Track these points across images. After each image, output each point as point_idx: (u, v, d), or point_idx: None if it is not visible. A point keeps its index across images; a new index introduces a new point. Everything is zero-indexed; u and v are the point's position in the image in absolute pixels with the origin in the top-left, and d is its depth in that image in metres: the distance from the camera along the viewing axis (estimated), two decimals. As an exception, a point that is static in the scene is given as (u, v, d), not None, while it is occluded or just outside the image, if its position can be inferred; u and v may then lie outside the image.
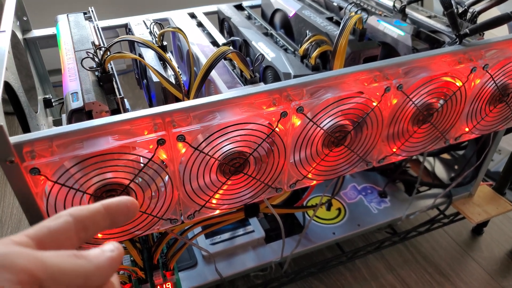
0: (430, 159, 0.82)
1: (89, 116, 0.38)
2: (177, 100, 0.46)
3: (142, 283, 0.56)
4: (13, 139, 0.32)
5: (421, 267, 0.76)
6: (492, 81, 0.50)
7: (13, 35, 0.53)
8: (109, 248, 0.19)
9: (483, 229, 0.83)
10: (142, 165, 0.37)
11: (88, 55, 0.42)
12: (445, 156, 0.84)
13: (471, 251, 0.80)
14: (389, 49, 0.56)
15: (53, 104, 0.62)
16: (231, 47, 0.47)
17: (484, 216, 0.72)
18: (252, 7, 0.72)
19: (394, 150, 0.51)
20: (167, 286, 0.57)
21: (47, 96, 0.61)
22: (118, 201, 0.21)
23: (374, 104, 0.45)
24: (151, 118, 0.36)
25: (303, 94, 0.42)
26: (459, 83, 0.48)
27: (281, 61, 0.52)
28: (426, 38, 0.55)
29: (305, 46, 0.51)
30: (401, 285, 0.73)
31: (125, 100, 0.41)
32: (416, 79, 0.46)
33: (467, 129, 0.55)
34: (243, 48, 0.56)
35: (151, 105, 0.53)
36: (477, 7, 0.53)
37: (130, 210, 0.21)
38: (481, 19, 0.51)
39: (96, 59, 0.42)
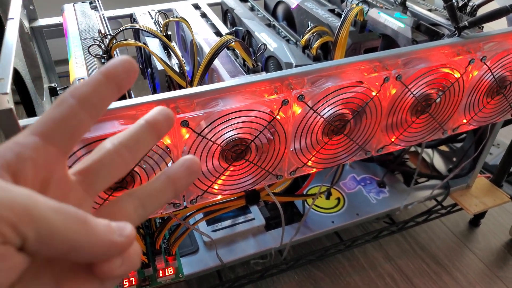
0: (429, 151, 0.83)
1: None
2: (181, 88, 0.47)
3: (145, 268, 0.58)
4: (22, 122, 0.33)
5: (419, 257, 0.78)
6: (490, 73, 0.51)
7: (20, 24, 0.54)
8: (122, 231, 0.16)
9: (480, 221, 0.84)
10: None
11: (94, 42, 0.44)
12: (444, 148, 0.85)
13: (468, 242, 0.81)
14: (389, 40, 0.57)
15: (59, 92, 0.63)
16: (234, 37, 0.48)
17: (481, 207, 0.73)
18: (255, -2, 0.73)
19: (393, 139, 0.53)
20: (169, 270, 0.58)
21: (52, 85, 0.62)
22: (113, 62, 0.18)
23: (374, 93, 0.46)
24: (156, 104, 0.37)
25: (304, 83, 0.43)
26: (457, 75, 0.49)
27: (283, 51, 0.53)
28: (426, 30, 0.56)
29: (306, 37, 0.52)
30: (398, 274, 0.75)
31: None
32: (415, 69, 0.47)
33: (465, 121, 0.57)
34: (246, 38, 0.57)
35: (155, 93, 0.54)
36: (477, 1, 0.54)
37: (128, 65, 0.18)
38: (481, 12, 0.52)
39: (103, 47, 0.43)
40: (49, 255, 0.14)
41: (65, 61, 0.46)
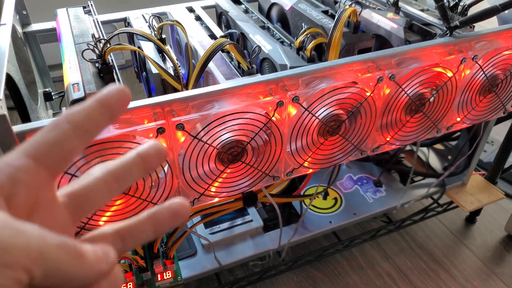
0: (425, 149, 0.84)
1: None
2: (176, 91, 0.47)
3: (143, 272, 0.58)
4: (16, 128, 0.33)
5: (416, 255, 0.78)
6: (482, 72, 0.51)
7: (13, 29, 0.54)
8: (108, 258, 0.17)
9: (476, 218, 0.84)
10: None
11: (88, 47, 0.44)
12: (439, 146, 0.85)
13: (464, 239, 0.82)
14: (382, 41, 0.57)
15: (53, 97, 0.63)
16: (228, 39, 0.48)
17: (476, 204, 0.74)
18: (249, 1, 0.73)
19: (388, 139, 0.53)
20: (167, 274, 0.58)
21: (47, 90, 0.62)
22: (108, 91, 0.18)
23: (368, 94, 0.46)
24: (151, 107, 0.37)
25: (299, 84, 0.43)
26: (449, 74, 0.50)
27: (277, 53, 0.53)
28: (418, 30, 0.56)
29: (300, 38, 0.53)
30: (396, 272, 0.75)
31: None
32: (408, 69, 0.47)
33: (458, 119, 0.57)
34: (241, 40, 0.57)
35: (150, 96, 0.54)
36: (468, 0, 0.54)
37: (122, 94, 0.18)
38: (472, 12, 0.52)
39: (97, 51, 0.43)
40: (48, 287, 0.15)
41: (60, 66, 0.46)
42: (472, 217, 0.84)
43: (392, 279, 0.74)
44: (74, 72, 0.42)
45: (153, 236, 0.20)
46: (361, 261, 0.76)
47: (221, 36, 0.57)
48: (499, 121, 0.68)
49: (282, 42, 0.57)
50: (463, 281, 0.74)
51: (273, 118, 0.42)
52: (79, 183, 0.18)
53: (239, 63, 0.49)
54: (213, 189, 0.45)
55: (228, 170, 0.44)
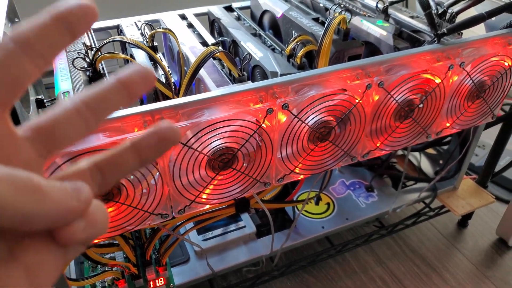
0: (417, 154, 0.85)
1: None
2: (167, 99, 0.47)
3: (135, 279, 0.58)
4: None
5: (409, 259, 0.79)
6: (469, 78, 0.52)
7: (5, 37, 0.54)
8: (79, 194, 0.14)
9: (468, 222, 0.85)
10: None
11: (79, 55, 0.44)
12: (431, 151, 0.86)
13: (456, 243, 0.83)
14: (372, 48, 0.58)
15: (46, 104, 0.63)
16: (219, 47, 0.49)
17: (467, 208, 0.74)
18: (241, 8, 0.74)
19: (378, 144, 0.54)
20: (159, 281, 0.58)
21: (39, 97, 0.62)
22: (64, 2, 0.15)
23: (357, 100, 0.47)
24: (141, 115, 0.38)
25: (289, 91, 0.44)
26: (438, 80, 0.51)
27: (268, 60, 0.53)
28: (407, 37, 0.57)
29: (291, 46, 0.53)
30: (389, 277, 0.75)
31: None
32: (396, 76, 0.48)
33: (448, 124, 0.58)
34: (232, 48, 0.57)
35: (142, 104, 0.55)
36: (456, 8, 0.55)
37: (82, 4, 0.15)
38: (461, 19, 0.53)
39: (87, 59, 0.43)
40: (2, 226, 0.13)
41: (52, 72, 0.46)
42: (464, 221, 0.85)
43: (385, 283, 0.74)
44: (64, 81, 0.42)
45: (139, 165, 0.18)
46: (354, 266, 0.76)
47: (213, 44, 0.58)
48: (489, 125, 0.68)
49: (273, 49, 0.57)
50: (455, 284, 0.74)
51: (263, 125, 0.42)
52: (46, 115, 0.16)
53: (230, 70, 0.50)
54: (204, 196, 0.45)
55: (219, 177, 0.44)
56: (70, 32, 0.15)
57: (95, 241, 0.48)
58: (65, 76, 0.43)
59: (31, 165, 0.15)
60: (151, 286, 0.58)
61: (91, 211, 0.15)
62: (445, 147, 0.81)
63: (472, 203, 0.75)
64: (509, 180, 0.93)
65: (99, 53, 0.43)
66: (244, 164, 0.45)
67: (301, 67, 0.52)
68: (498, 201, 0.90)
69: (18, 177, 0.13)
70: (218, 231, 0.67)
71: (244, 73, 0.50)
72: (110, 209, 0.40)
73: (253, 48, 0.57)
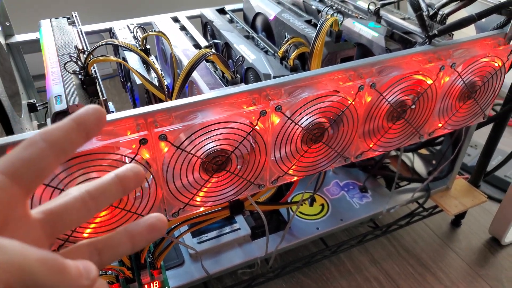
0: (410, 154, 0.85)
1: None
2: (160, 101, 0.47)
3: (130, 283, 0.57)
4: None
5: (403, 259, 0.79)
6: (460, 79, 0.53)
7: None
8: (89, 274, 0.17)
9: (461, 221, 0.86)
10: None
11: (71, 58, 0.44)
12: (424, 151, 0.87)
13: (450, 242, 0.83)
14: (364, 49, 0.59)
15: (38, 108, 0.62)
16: (212, 50, 0.49)
17: (460, 208, 0.75)
18: (234, 11, 0.74)
19: (371, 145, 0.54)
20: (154, 285, 0.58)
21: (31, 101, 0.62)
22: (85, 110, 0.19)
23: (349, 102, 0.47)
24: (134, 118, 0.38)
25: (281, 93, 0.44)
26: (429, 81, 0.51)
27: (261, 62, 0.54)
28: (399, 39, 0.58)
29: (284, 48, 0.53)
30: (384, 277, 0.75)
31: (110, 103, 0.42)
32: (388, 77, 0.48)
33: (440, 125, 0.58)
34: (225, 50, 0.57)
35: (135, 107, 0.54)
36: (446, 9, 0.56)
37: (98, 114, 0.19)
38: (451, 20, 0.54)
39: (79, 63, 0.43)
40: None
41: (44, 76, 0.46)
42: (457, 220, 0.85)
43: (380, 283, 0.74)
44: (56, 84, 0.42)
45: (131, 250, 0.20)
46: (349, 266, 0.77)
47: (205, 46, 0.58)
48: (480, 125, 0.69)
49: (266, 52, 0.58)
50: (449, 284, 0.75)
51: (256, 127, 0.42)
52: (56, 201, 0.19)
53: (223, 72, 0.50)
54: (198, 198, 0.45)
55: (213, 180, 0.44)
56: (87, 134, 0.19)
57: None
58: (57, 80, 0.43)
59: (39, 245, 0.17)
60: (146, 289, 0.57)
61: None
62: (438, 148, 0.82)
63: (465, 202, 0.76)
64: (501, 179, 0.94)
65: (91, 56, 0.43)
66: (238, 166, 0.45)
67: (294, 69, 0.52)
68: (491, 200, 0.91)
69: (50, 258, 0.15)
70: (213, 233, 0.67)
71: (237, 75, 0.50)
72: (104, 213, 0.40)
73: (246, 51, 0.57)
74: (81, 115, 0.19)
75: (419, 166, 0.84)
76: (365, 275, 0.75)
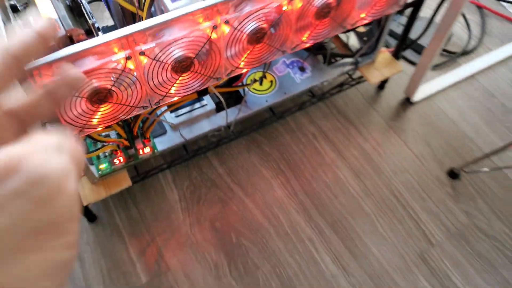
0: (350, 33, 1.00)
1: (71, 39, 0.51)
2: (133, 15, 0.58)
3: (128, 149, 0.78)
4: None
5: (335, 118, 1.03)
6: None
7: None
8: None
9: (385, 85, 1.08)
10: (118, 74, 0.53)
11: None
12: (362, 29, 1.01)
13: (373, 103, 1.07)
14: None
15: (19, 8, 0.69)
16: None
17: (380, 77, 0.95)
18: None
19: (303, 39, 0.69)
20: (146, 149, 0.79)
21: (12, 2, 0.69)
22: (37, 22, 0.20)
23: (284, 8, 0.60)
24: (119, 39, 0.50)
25: (229, 7, 0.56)
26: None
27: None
28: None
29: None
30: (318, 132, 1.00)
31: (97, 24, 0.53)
32: (315, -14, 0.60)
33: (362, 15, 0.72)
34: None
35: (113, 18, 0.64)
36: None
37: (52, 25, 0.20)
38: None
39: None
40: None
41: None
42: (382, 85, 1.07)
43: (314, 137, 0.99)
44: (48, 7, 0.52)
45: (54, 105, 0.21)
46: (292, 126, 1.00)
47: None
48: (400, 12, 0.83)
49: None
50: (366, 134, 1.01)
51: (211, 38, 0.56)
52: None
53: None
54: (172, 91, 0.61)
55: (182, 78, 0.60)
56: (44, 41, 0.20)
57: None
58: (47, 4, 0.52)
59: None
60: (141, 153, 0.79)
61: None
62: (369, 28, 0.96)
63: (384, 72, 0.96)
64: (423, 47, 1.13)
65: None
66: (200, 67, 0.60)
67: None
68: (414, 66, 1.11)
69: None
70: (187, 109, 0.85)
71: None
72: (108, 107, 0.56)
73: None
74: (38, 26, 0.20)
75: (355, 43, 1.00)
76: (303, 132, 1.00)
